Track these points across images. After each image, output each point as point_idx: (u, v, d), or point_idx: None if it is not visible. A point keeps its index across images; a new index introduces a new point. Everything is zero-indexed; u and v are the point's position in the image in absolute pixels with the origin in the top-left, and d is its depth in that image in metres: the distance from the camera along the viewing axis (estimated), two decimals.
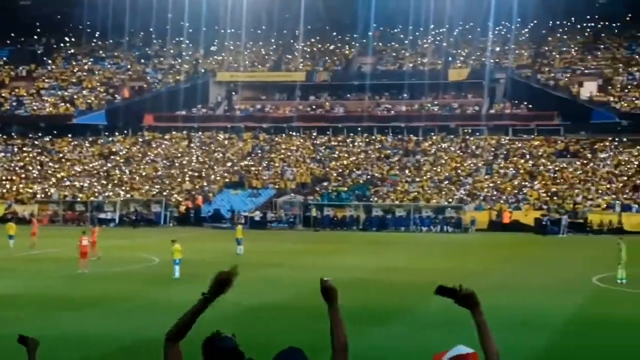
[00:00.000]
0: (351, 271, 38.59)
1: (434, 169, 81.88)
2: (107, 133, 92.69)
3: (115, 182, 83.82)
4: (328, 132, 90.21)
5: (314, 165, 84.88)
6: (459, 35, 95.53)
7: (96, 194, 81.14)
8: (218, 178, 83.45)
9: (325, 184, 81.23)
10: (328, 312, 5.55)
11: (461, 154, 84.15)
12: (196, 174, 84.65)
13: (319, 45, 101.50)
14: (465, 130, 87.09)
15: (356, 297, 29.36)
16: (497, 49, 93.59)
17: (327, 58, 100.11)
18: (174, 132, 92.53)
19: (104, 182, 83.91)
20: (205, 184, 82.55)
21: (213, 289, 5.35)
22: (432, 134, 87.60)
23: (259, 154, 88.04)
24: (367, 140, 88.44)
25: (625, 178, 76.24)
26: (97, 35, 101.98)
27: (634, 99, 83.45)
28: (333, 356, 5.45)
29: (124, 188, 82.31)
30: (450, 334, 23.27)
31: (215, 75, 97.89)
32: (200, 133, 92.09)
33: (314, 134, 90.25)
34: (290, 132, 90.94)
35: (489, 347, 5.23)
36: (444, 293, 5.38)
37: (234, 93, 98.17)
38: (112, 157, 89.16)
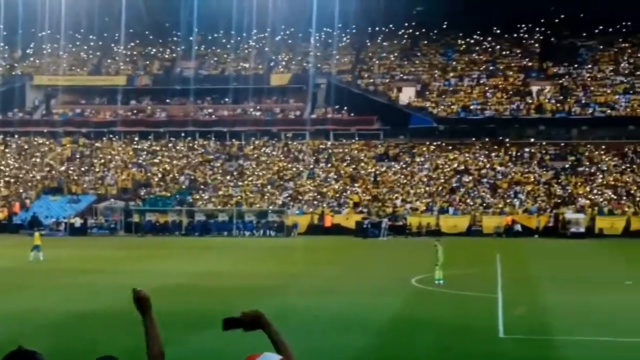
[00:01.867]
0: (173, 277, 38.21)
1: (257, 173, 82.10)
2: None
3: None
4: (150, 137, 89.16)
5: (135, 170, 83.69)
6: (281, 40, 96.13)
7: None
8: (36, 184, 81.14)
9: (147, 189, 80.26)
10: (142, 322, 5.42)
11: (283, 158, 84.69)
12: (12, 179, 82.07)
13: (140, 49, 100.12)
14: (288, 135, 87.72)
15: (177, 302, 29.09)
16: (319, 54, 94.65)
17: (148, 62, 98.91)
18: None
19: None
20: (22, 190, 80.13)
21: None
22: (255, 138, 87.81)
23: (79, 159, 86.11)
24: (190, 144, 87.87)
25: (442, 181, 78.49)
26: None
27: (450, 104, 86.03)
28: None
29: None
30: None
31: (32, 79, 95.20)
32: (16, 138, 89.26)
33: (136, 138, 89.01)
34: (111, 137, 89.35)
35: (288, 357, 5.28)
36: (230, 326, 5.28)
37: (52, 97, 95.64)
38: None
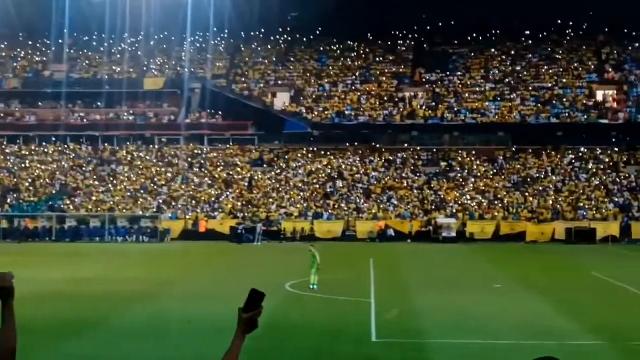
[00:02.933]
0: (42, 284, 37.24)
1: (130, 178, 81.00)
2: None
3: None
4: (18, 141, 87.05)
5: (3, 175, 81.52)
6: (155, 44, 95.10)
7: None
8: None
9: (15, 194, 78.25)
10: (1, 310, 4.99)
11: (157, 163, 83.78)
12: None
13: (9, 51, 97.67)
14: (161, 139, 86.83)
15: (46, 309, 28.43)
16: (193, 58, 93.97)
17: (17, 64, 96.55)
18: None
19: None
20: None
21: None
22: (128, 143, 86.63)
23: None
24: (60, 149, 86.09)
25: (317, 186, 78.85)
26: None
27: (324, 110, 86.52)
28: None
29: None
30: (147, 344, 23.04)
31: None
32: None
33: (4, 142, 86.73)
34: None
35: None
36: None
37: None
38: None
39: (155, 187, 79.40)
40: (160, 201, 76.45)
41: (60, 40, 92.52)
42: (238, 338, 5.26)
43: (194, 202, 76.56)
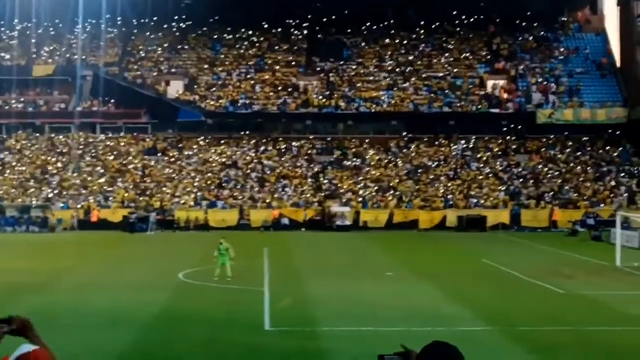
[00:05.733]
0: None
1: (19, 167, 79.34)
2: None
3: None
4: None
5: None
6: (45, 31, 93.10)
7: None
8: None
9: None
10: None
11: (47, 151, 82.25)
12: None
13: None
14: (52, 127, 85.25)
15: None
16: (85, 46, 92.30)
17: None
18: None
19: None
20: None
21: None
22: (18, 131, 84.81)
23: None
24: None
25: (211, 175, 78.48)
26: None
27: (218, 98, 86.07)
28: None
29: None
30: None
31: None
32: None
33: None
34: None
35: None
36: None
37: None
38: None
39: (46, 176, 77.92)
40: (51, 191, 75.06)
41: None
42: None
43: (85, 191, 75.39)
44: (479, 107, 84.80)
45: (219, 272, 35.86)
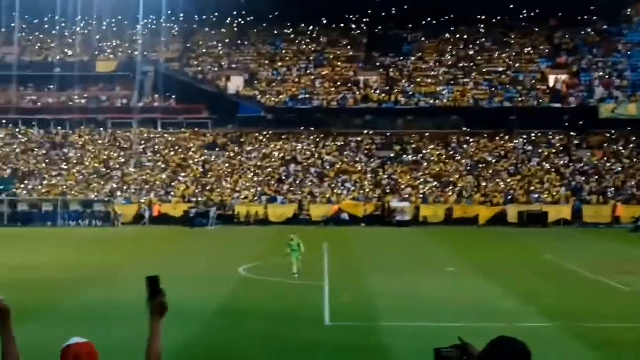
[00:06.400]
0: None
1: (83, 162, 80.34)
2: None
3: None
4: None
5: None
6: (108, 27, 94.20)
7: None
8: None
9: None
10: (2, 334, 5.35)
11: (110, 147, 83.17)
12: None
13: None
14: (115, 123, 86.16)
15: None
16: (146, 42, 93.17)
17: None
18: None
19: None
20: None
21: None
22: (81, 126, 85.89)
23: None
24: (12, 133, 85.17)
25: (271, 170, 78.72)
26: None
27: (278, 93, 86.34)
28: None
29: None
30: (98, 328, 22.85)
31: None
32: None
33: None
34: None
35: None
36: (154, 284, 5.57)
37: None
38: None
39: (108, 171, 78.81)
40: (114, 185, 75.90)
41: (11, 24, 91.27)
42: (156, 324, 5.55)
43: (147, 186, 76.11)
44: (541, 102, 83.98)
45: (296, 268, 35.56)
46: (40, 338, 21.23)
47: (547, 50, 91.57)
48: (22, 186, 76.02)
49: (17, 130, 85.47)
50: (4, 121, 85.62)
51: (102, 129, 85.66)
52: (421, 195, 74.14)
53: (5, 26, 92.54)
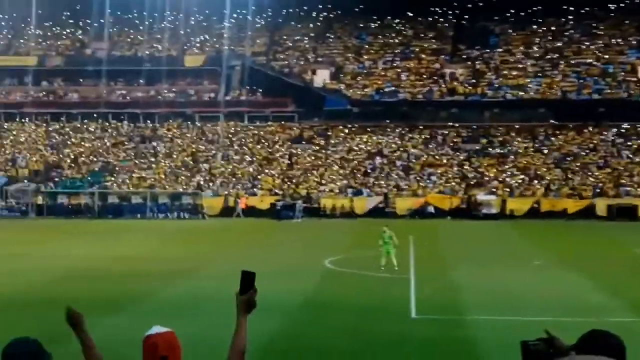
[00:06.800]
0: (84, 260, 37.75)
1: (171, 155, 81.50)
2: None
3: None
4: (62, 119, 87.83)
5: (47, 152, 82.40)
6: (195, 21, 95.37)
7: None
8: None
9: (59, 171, 79.10)
10: (78, 336, 5.54)
11: (197, 140, 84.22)
12: None
13: (52, 30, 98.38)
14: (202, 117, 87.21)
15: (87, 286, 28.80)
16: (233, 36, 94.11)
17: (59, 42, 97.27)
18: None
19: None
20: None
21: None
22: (170, 120, 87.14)
23: None
24: (102, 126, 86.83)
25: (356, 163, 78.84)
26: None
27: (364, 86, 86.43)
28: None
29: None
30: (186, 320, 23.26)
31: None
32: None
33: (47, 120, 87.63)
34: (22, 118, 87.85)
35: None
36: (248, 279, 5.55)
37: None
38: None
39: (195, 164, 79.81)
40: (200, 178, 76.83)
41: (102, 20, 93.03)
42: (242, 319, 5.51)
43: (234, 179, 76.89)
44: (631, 94, 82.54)
45: (385, 261, 35.51)
46: (129, 329, 21.75)
47: (636, 42, 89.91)
48: (112, 179, 77.41)
49: (107, 124, 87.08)
50: (94, 115, 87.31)
51: (189, 123, 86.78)
52: (507, 189, 73.54)
53: (96, 22, 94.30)
